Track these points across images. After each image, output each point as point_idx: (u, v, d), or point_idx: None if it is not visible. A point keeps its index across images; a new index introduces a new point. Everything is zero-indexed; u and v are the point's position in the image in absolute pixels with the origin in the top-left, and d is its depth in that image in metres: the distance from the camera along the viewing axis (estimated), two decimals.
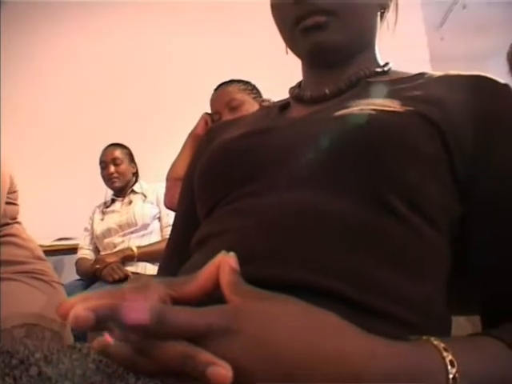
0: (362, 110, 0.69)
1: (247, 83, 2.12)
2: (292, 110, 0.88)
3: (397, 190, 0.63)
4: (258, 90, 2.15)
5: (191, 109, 2.28)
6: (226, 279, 0.48)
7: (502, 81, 0.75)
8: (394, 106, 0.70)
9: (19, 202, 2.04)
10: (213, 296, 0.48)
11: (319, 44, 0.81)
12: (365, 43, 0.87)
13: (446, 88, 0.74)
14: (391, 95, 0.74)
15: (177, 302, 0.48)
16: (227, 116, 2.00)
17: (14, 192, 1.96)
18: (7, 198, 1.85)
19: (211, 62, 3.82)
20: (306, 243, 0.61)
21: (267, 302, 0.47)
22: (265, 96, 2.20)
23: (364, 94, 0.78)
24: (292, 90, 0.93)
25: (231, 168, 0.76)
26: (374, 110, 0.68)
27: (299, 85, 0.94)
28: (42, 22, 4.33)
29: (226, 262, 0.49)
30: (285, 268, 0.59)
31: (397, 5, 0.93)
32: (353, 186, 0.64)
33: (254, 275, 0.52)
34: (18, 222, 1.95)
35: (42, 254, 1.98)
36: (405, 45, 3.61)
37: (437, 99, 0.71)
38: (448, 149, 0.67)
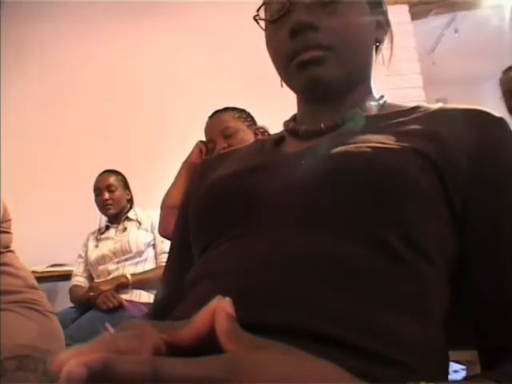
0: (357, 147, 0.69)
1: (242, 111, 2.13)
2: (287, 145, 0.88)
3: (395, 229, 0.63)
4: (252, 118, 2.16)
5: (186, 135, 2.28)
6: (222, 326, 0.46)
7: (497, 114, 0.76)
8: (389, 142, 0.70)
9: (13, 228, 2.03)
10: (208, 341, 0.47)
11: (315, 79, 0.81)
12: (361, 77, 0.88)
13: (442, 122, 0.74)
14: (387, 130, 0.74)
15: (172, 347, 0.47)
16: (222, 144, 2.00)
17: (7, 221, 1.95)
18: (0, 226, 1.84)
19: (207, 89, 3.83)
20: (302, 287, 0.60)
21: (265, 351, 0.45)
22: (259, 123, 2.21)
23: (359, 129, 0.78)
24: (287, 123, 0.93)
25: (224, 208, 0.75)
26: (370, 147, 0.68)
27: (294, 118, 0.94)
28: (40, 47, 4.34)
29: (221, 307, 0.48)
30: (282, 312, 0.57)
31: (392, 38, 0.94)
32: (349, 225, 0.63)
33: (249, 320, 0.51)
34: (11, 251, 1.93)
35: (35, 283, 1.96)
36: (397, 72, 3.66)
37: (432, 134, 0.71)
38: (444, 184, 0.67)
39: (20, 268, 1.90)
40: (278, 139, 0.91)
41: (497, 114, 0.76)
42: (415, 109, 0.81)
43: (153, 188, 2.74)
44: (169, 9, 4.16)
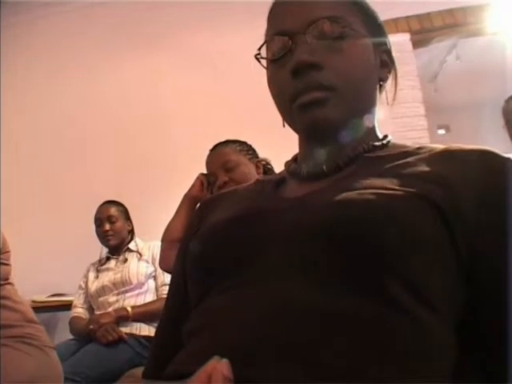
0: (360, 193, 0.68)
1: (243, 144, 2.13)
2: (288, 188, 0.86)
3: (399, 280, 0.61)
4: (254, 151, 2.15)
5: (188, 167, 2.27)
6: None
7: (504, 155, 0.74)
8: (393, 187, 0.68)
9: (14, 257, 2.02)
10: None
11: (317, 120, 0.79)
12: (365, 117, 0.86)
13: (447, 164, 0.72)
14: (391, 173, 0.73)
15: None
16: (223, 178, 2.00)
17: (6, 252, 1.94)
18: None
19: (210, 120, 3.83)
20: (302, 342, 0.58)
21: None
22: (262, 155, 2.20)
23: (362, 172, 0.76)
24: (288, 164, 0.92)
25: (222, 257, 0.74)
26: (373, 193, 0.67)
27: (295, 158, 0.93)
28: (41, 77, 4.36)
29: (218, 370, 0.48)
30: (282, 368, 0.56)
31: (396, 77, 0.92)
32: (352, 277, 0.62)
33: (247, 375, 0.51)
34: (9, 283, 1.92)
35: (33, 317, 1.94)
36: (400, 101, 3.65)
37: (438, 177, 0.69)
38: (450, 231, 0.65)
39: (19, 302, 1.88)
40: (279, 181, 0.89)
41: (504, 155, 0.74)
42: (420, 149, 0.80)
43: (154, 219, 2.73)
44: (171, 38, 4.18)
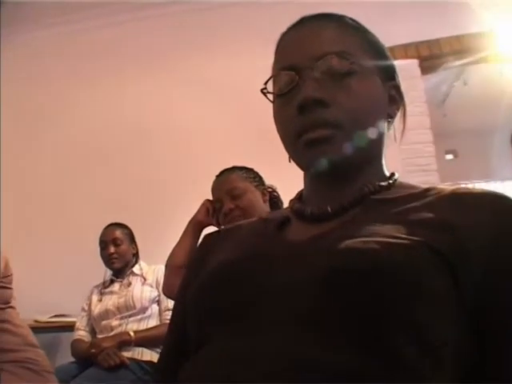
0: (365, 242, 0.65)
1: (250, 171, 2.12)
2: (292, 229, 0.83)
3: (403, 334, 0.59)
4: (260, 178, 2.14)
5: (195, 191, 2.26)
6: None
7: None
8: (398, 235, 0.66)
9: (17, 277, 2.00)
10: None
11: (323, 158, 0.78)
12: (371, 155, 0.85)
13: (455, 210, 0.70)
14: (396, 220, 0.71)
15: None
16: (229, 204, 1.99)
17: (8, 276, 1.93)
18: (0, 281, 1.82)
19: (218, 146, 3.83)
20: None
21: None
22: (269, 181, 2.20)
23: (368, 216, 0.75)
24: (293, 202, 0.90)
25: (220, 307, 0.72)
26: (379, 242, 0.65)
27: (300, 196, 0.91)
28: (45, 97, 4.38)
29: None
30: None
31: (405, 113, 0.91)
32: (354, 330, 0.60)
33: None
34: (11, 307, 1.90)
35: (34, 341, 1.92)
36: (407, 127, 3.65)
37: (444, 224, 0.67)
38: (458, 281, 0.63)
39: (20, 325, 1.87)
40: (283, 220, 0.86)
41: None
42: (427, 192, 0.78)
43: (159, 242, 2.72)
44: (179, 62, 4.20)
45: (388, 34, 3.67)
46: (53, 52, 4.45)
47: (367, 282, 0.61)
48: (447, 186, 0.79)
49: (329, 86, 0.78)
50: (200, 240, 1.01)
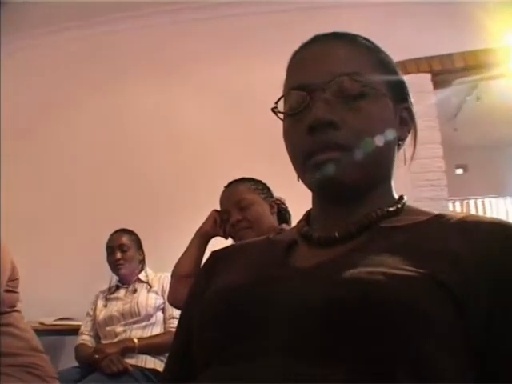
0: (371, 273, 0.65)
1: (258, 182, 2.12)
2: (298, 253, 0.82)
3: (406, 367, 0.58)
4: (269, 190, 2.14)
5: (204, 200, 2.26)
6: None
7: None
8: (405, 266, 0.65)
9: (24, 279, 2.01)
10: None
11: (331, 181, 0.77)
12: (380, 179, 0.84)
13: (464, 239, 0.69)
14: (403, 250, 0.70)
15: None
16: (236, 216, 1.99)
17: (15, 280, 1.93)
18: (7, 285, 1.82)
19: (228, 155, 3.83)
20: None
21: None
22: (277, 193, 2.19)
23: (375, 244, 0.74)
24: (300, 225, 0.89)
25: (227, 326, 0.71)
26: (384, 274, 0.64)
27: (308, 216, 0.90)
28: (52, 103, 4.41)
29: None
30: None
31: (416, 135, 0.90)
32: (356, 361, 0.59)
33: None
34: (16, 311, 1.91)
35: (38, 346, 1.93)
36: (418, 141, 3.64)
37: (451, 255, 0.67)
38: (462, 314, 0.62)
39: (24, 329, 1.87)
40: (290, 243, 0.85)
41: None
42: (436, 219, 0.77)
43: (166, 250, 2.72)
44: (188, 69, 4.21)
45: (400, 48, 3.68)
46: (57, 56, 4.47)
47: (370, 314, 0.61)
48: (457, 213, 0.78)
49: (340, 108, 0.77)
50: (208, 255, 1.01)
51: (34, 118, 4.39)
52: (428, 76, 3.84)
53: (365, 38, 0.86)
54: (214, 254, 0.99)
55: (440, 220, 0.76)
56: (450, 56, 3.82)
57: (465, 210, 7.63)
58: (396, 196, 0.86)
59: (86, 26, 4.34)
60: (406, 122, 0.86)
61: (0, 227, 2.50)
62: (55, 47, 4.44)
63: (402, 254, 0.68)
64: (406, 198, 0.86)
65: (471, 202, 7.73)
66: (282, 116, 0.85)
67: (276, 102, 0.85)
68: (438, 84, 3.93)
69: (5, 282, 1.79)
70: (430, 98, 3.78)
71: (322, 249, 0.79)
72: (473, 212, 7.58)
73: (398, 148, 0.87)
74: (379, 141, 0.79)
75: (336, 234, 0.79)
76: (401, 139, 0.86)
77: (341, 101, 0.78)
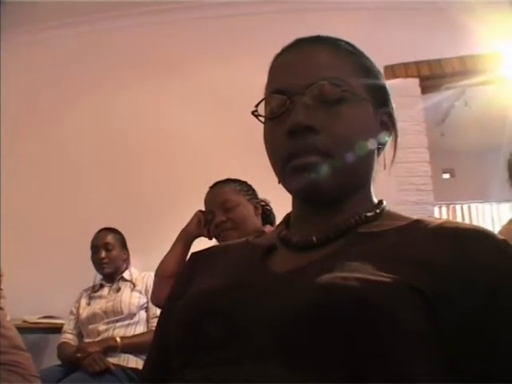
0: (345, 278, 0.65)
1: (243, 184, 2.12)
2: (277, 258, 0.82)
3: (380, 371, 0.58)
4: (253, 191, 2.14)
5: (189, 200, 2.25)
6: None
7: (500, 237, 0.71)
8: (380, 272, 0.65)
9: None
10: None
11: (310, 185, 0.77)
12: (360, 183, 0.84)
13: (441, 245, 0.70)
14: (380, 255, 0.70)
15: None
16: (220, 217, 2.00)
17: None
18: None
19: (214, 156, 3.83)
20: None
21: None
22: (262, 195, 2.19)
23: (352, 250, 0.74)
24: (279, 229, 0.89)
25: (204, 331, 0.71)
26: (359, 280, 0.64)
27: (287, 220, 0.90)
28: (47, 101, 4.39)
29: None
30: None
31: (396, 139, 0.90)
32: (329, 365, 0.59)
33: None
34: (0, 308, 1.89)
35: (21, 344, 1.91)
36: (405, 145, 3.65)
37: (426, 261, 0.67)
38: (436, 320, 0.62)
39: (7, 327, 1.86)
40: (270, 247, 0.85)
41: (500, 236, 0.72)
42: (415, 224, 0.77)
43: (151, 249, 2.72)
44: (181, 70, 4.21)
45: (389, 52, 3.69)
46: (55, 55, 4.45)
47: (343, 321, 0.61)
48: (436, 219, 0.78)
49: (319, 113, 0.77)
50: (189, 255, 1.01)
51: (28, 114, 4.38)
52: (416, 81, 3.85)
53: (347, 43, 0.86)
54: (194, 255, 0.99)
55: (418, 225, 0.76)
56: (438, 61, 3.84)
57: (451, 215, 7.65)
58: (375, 200, 0.86)
59: (81, 23, 4.34)
60: (386, 127, 0.87)
61: None
62: (50, 45, 4.42)
63: (377, 260, 0.69)
64: (385, 202, 0.86)
65: (457, 206, 7.75)
66: (263, 119, 0.85)
67: (256, 106, 0.85)
68: (426, 89, 3.95)
69: None
70: (417, 102, 3.80)
71: (300, 253, 0.79)
72: (459, 217, 7.62)
73: (379, 153, 0.87)
74: (358, 146, 0.79)
75: (314, 239, 0.79)
76: (381, 144, 0.86)
77: (321, 105, 0.78)
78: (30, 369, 1.85)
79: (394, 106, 0.89)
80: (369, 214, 0.81)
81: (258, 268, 0.81)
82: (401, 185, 3.62)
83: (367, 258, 0.70)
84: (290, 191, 0.85)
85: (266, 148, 0.84)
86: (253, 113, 0.85)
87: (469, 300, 0.64)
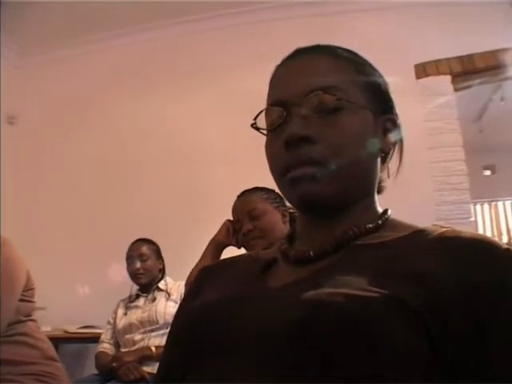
0: (331, 294, 0.63)
1: (270, 191, 2.10)
2: (276, 272, 0.82)
3: None
4: (281, 199, 2.12)
5: (225, 210, 2.24)
6: None
7: (503, 245, 0.68)
8: (370, 287, 0.63)
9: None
10: None
11: (307, 197, 0.76)
12: (361, 194, 0.82)
13: (439, 257, 0.67)
14: (373, 269, 0.68)
15: None
16: (248, 226, 1.99)
17: (30, 289, 1.94)
18: (22, 295, 1.84)
19: (249, 163, 3.83)
20: None
21: None
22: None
23: (346, 263, 0.72)
24: (281, 243, 0.88)
25: (192, 344, 0.72)
26: (345, 295, 0.62)
27: (292, 232, 0.89)
28: (77, 110, 4.48)
29: None
30: None
31: (402, 147, 0.88)
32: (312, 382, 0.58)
33: None
34: (32, 320, 1.92)
35: (54, 355, 1.94)
36: (439, 145, 3.59)
37: (422, 275, 0.64)
38: (429, 336, 0.60)
39: (39, 338, 1.89)
40: (270, 261, 0.84)
41: (503, 245, 0.69)
42: (415, 235, 0.74)
43: (186, 258, 2.73)
44: (212, 77, 4.24)
45: (419, 51, 3.62)
46: (86, 67, 4.56)
47: (325, 336, 0.60)
48: (438, 228, 0.75)
49: (316, 123, 0.76)
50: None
51: (63, 126, 4.49)
52: (448, 78, 3.78)
53: (347, 50, 0.85)
54: (204, 269, 0.99)
55: (418, 236, 0.74)
56: (470, 56, 3.76)
57: (493, 212, 7.52)
58: (380, 210, 0.84)
59: (118, 36, 4.44)
60: (390, 134, 0.85)
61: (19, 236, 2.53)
62: (85, 58, 4.55)
63: (369, 274, 0.67)
64: (389, 212, 0.84)
65: (499, 203, 7.61)
66: (264, 131, 0.84)
67: (255, 118, 0.85)
68: (458, 85, 3.87)
69: (19, 292, 1.81)
70: (450, 100, 3.72)
71: (298, 267, 0.78)
72: (501, 213, 7.48)
73: (384, 160, 0.85)
74: (357, 155, 0.78)
75: (311, 253, 0.78)
76: (384, 152, 0.84)
77: (317, 115, 0.77)
78: (62, 379, 1.88)
79: (397, 112, 0.87)
80: (370, 225, 0.79)
81: (254, 282, 0.81)
82: (437, 185, 3.56)
83: (360, 271, 0.68)
84: (290, 203, 0.85)
85: (267, 159, 0.84)
86: (252, 125, 0.85)
87: (468, 315, 0.61)
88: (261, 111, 0.84)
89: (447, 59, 3.77)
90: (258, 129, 0.85)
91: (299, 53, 0.85)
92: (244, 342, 0.65)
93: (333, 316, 0.61)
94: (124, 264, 3.24)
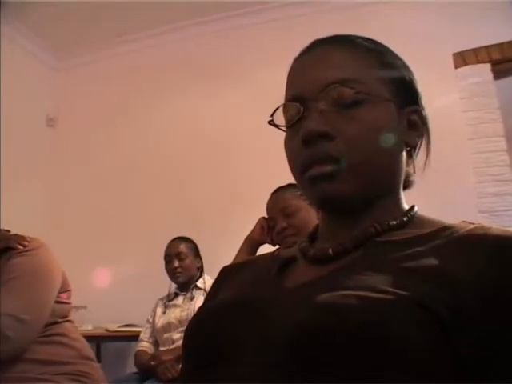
0: (344, 296, 0.60)
1: None
2: (294, 271, 0.79)
3: None
4: None
5: (261, 206, 2.23)
6: None
7: None
8: (387, 288, 0.60)
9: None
10: None
11: (326, 196, 0.74)
12: (384, 190, 0.78)
13: (464, 256, 0.63)
14: (392, 267, 0.65)
15: None
16: (282, 223, 1.96)
17: (66, 291, 1.96)
18: (57, 297, 1.86)
19: (277, 159, 3.81)
20: None
21: None
22: None
23: (365, 262, 0.69)
24: (303, 240, 0.85)
25: (206, 348, 0.69)
26: (359, 297, 0.59)
27: (313, 231, 0.86)
28: (109, 111, 4.54)
29: None
30: None
31: (429, 140, 0.83)
32: None
33: None
34: (68, 321, 1.94)
35: (90, 355, 1.95)
36: (480, 135, 3.49)
37: (444, 275, 0.60)
38: (450, 339, 0.56)
39: (75, 339, 1.90)
40: (290, 259, 0.82)
41: None
42: (440, 232, 0.70)
43: (224, 256, 2.72)
44: (242, 73, 4.25)
45: (457, 39, 3.53)
46: (121, 67, 4.61)
47: (333, 341, 0.56)
48: (467, 225, 0.71)
49: (334, 118, 0.73)
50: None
51: (100, 127, 4.57)
52: (488, 66, 3.67)
53: (367, 39, 0.81)
54: (223, 269, 0.97)
55: (444, 233, 0.70)
56: (510, 43, 3.64)
57: None
58: (406, 207, 0.80)
59: (151, 36, 4.49)
60: (415, 126, 0.80)
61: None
62: (122, 59, 4.64)
63: (387, 273, 0.63)
64: (416, 208, 0.80)
65: None
66: (282, 128, 0.82)
67: (271, 115, 0.82)
68: (499, 73, 3.75)
69: (55, 294, 1.83)
70: (491, 88, 3.62)
71: (317, 266, 0.75)
72: None
73: (409, 154, 0.81)
74: (377, 150, 0.74)
75: (330, 251, 0.75)
76: (409, 145, 0.80)
77: (335, 110, 0.74)
78: (97, 378, 1.89)
79: (423, 104, 0.82)
80: (393, 222, 0.75)
81: (270, 282, 0.78)
82: (478, 176, 3.47)
83: (378, 271, 0.65)
84: (310, 201, 0.83)
85: (286, 156, 0.81)
86: (269, 122, 0.82)
87: (492, 318, 0.57)
88: (277, 108, 0.81)
89: (486, 47, 3.66)
90: (276, 125, 0.81)
91: (316, 44, 0.81)
92: (252, 343, 0.63)
93: (342, 319, 0.58)
94: (163, 263, 3.27)
